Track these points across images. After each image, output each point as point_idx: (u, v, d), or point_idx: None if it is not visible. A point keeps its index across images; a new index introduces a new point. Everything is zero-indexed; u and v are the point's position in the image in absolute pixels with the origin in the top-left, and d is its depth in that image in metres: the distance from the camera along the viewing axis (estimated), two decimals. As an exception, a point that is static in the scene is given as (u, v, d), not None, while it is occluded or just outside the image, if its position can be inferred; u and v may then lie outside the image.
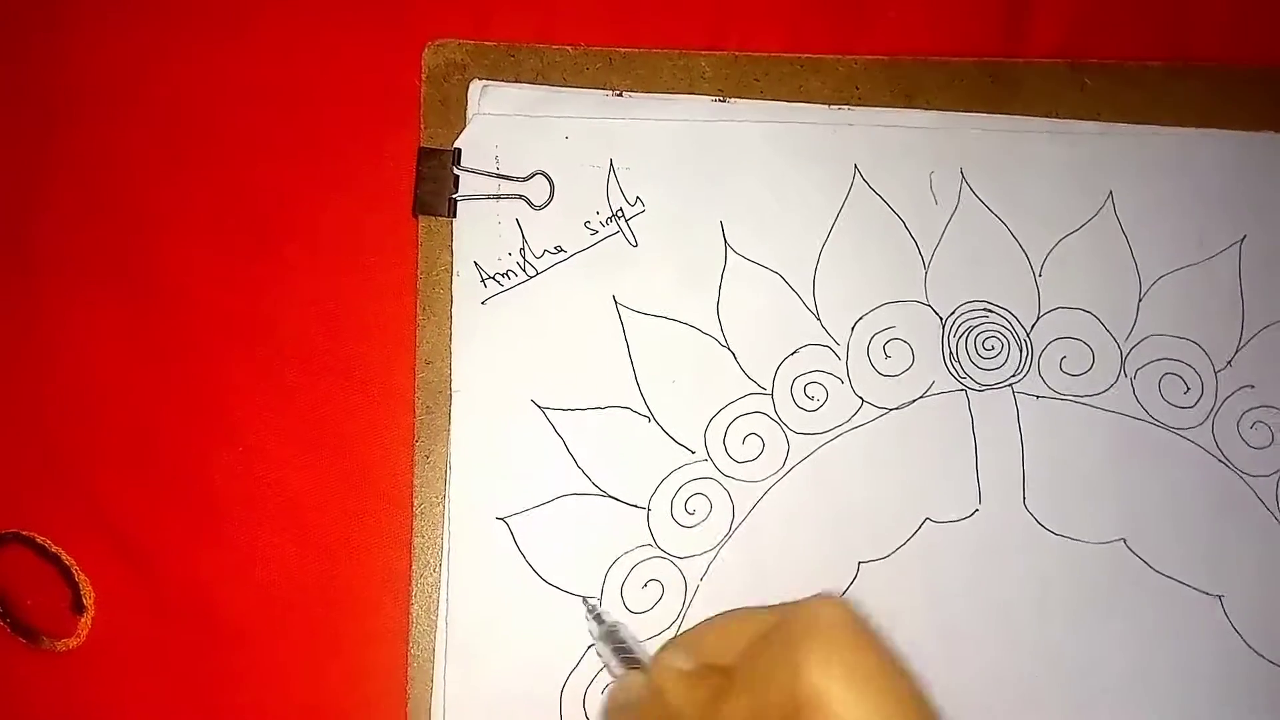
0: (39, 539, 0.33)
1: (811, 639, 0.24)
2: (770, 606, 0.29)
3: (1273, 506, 0.39)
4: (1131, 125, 0.41)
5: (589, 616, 0.34)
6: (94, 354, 0.36)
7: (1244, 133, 0.42)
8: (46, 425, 0.36)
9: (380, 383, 0.37)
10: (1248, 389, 0.40)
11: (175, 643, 0.34)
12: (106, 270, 0.38)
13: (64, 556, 0.33)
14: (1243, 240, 0.41)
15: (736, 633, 0.27)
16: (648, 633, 0.36)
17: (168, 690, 0.34)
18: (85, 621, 0.33)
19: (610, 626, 0.33)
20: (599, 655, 0.33)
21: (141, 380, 0.36)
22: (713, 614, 0.35)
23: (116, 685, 0.34)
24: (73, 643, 0.33)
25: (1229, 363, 0.40)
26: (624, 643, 0.32)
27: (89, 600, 0.33)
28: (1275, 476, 0.39)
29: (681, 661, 0.27)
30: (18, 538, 0.33)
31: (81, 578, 0.33)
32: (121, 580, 0.34)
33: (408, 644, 0.35)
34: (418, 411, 0.37)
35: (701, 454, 0.37)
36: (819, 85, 0.40)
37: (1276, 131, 0.42)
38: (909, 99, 0.41)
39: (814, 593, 0.36)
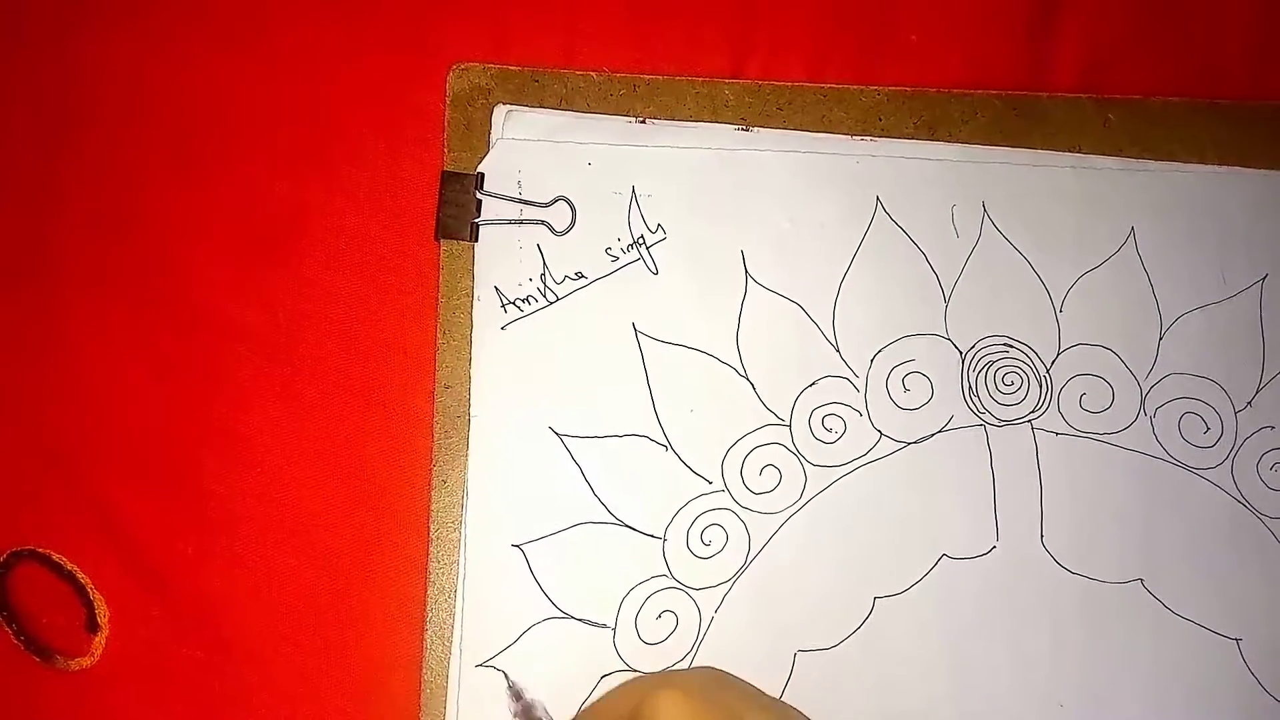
0: (55, 556, 0.34)
1: None
2: (637, 684, 0.32)
3: (1292, 549, 0.39)
4: (1154, 161, 0.42)
5: (508, 693, 0.35)
6: (110, 371, 0.37)
7: (1267, 171, 0.42)
8: (62, 443, 0.36)
9: (398, 406, 0.38)
10: (1268, 429, 0.40)
11: (189, 663, 0.35)
12: (123, 285, 0.38)
13: (79, 575, 0.34)
14: (1264, 279, 0.41)
15: (604, 715, 0.29)
16: (662, 664, 0.36)
17: (180, 710, 0.34)
18: (99, 641, 0.34)
19: (527, 703, 0.34)
20: None
21: (158, 398, 0.37)
22: (715, 662, 0.36)
23: (130, 705, 0.34)
24: (86, 662, 0.33)
25: (1249, 403, 0.40)
26: (538, 718, 0.34)
27: (103, 619, 0.34)
28: (1295, 518, 0.39)
29: None
30: (33, 555, 0.34)
31: (97, 597, 0.34)
32: (136, 600, 0.35)
33: (421, 670, 0.35)
34: (435, 436, 0.37)
35: (719, 484, 0.38)
36: (842, 115, 0.41)
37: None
38: (932, 131, 0.41)
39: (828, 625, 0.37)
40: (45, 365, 0.37)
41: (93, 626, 0.34)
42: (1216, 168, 0.42)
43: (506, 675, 0.35)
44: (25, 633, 0.33)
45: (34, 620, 0.34)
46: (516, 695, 0.34)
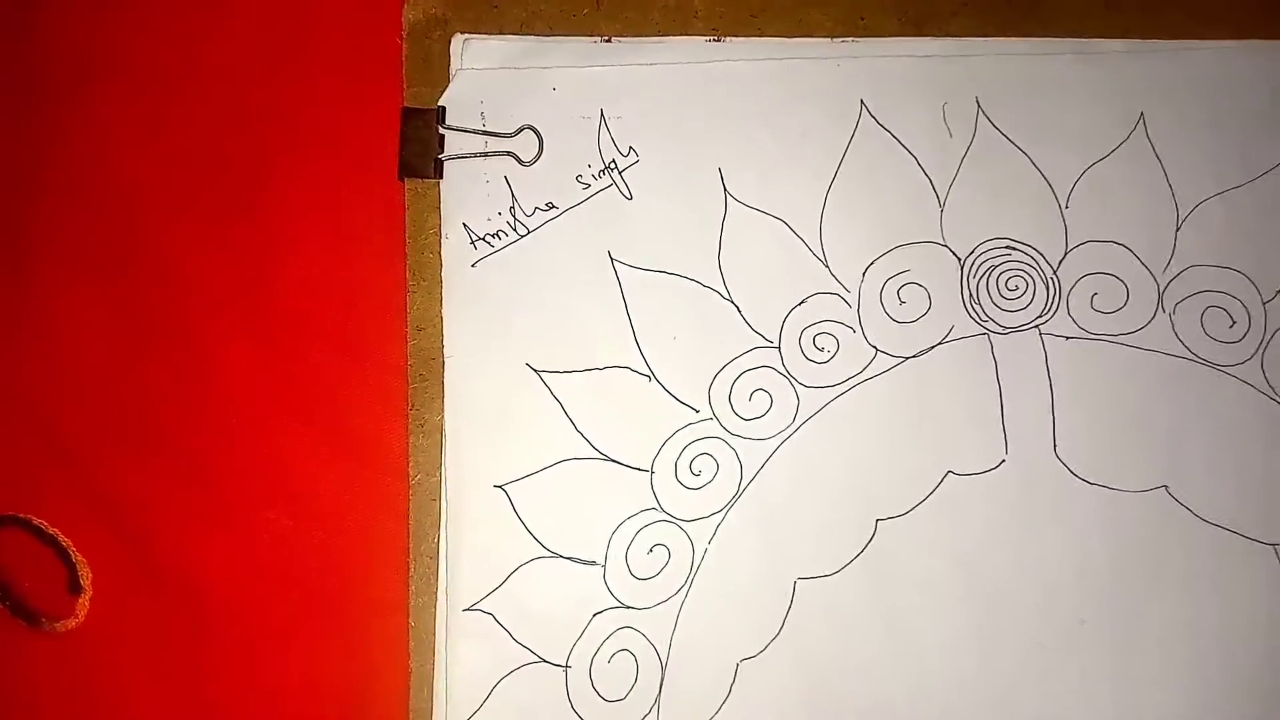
0: (35, 521, 0.35)
1: None
2: None
3: (1332, 445, 0.37)
4: (1164, 42, 0.40)
5: None
6: (84, 332, 0.38)
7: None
8: (36, 406, 0.37)
9: (372, 351, 0.38)
10: (1301, 319, 0.38)
11: (174, 619, 0.36)
12: (92, 247, 0.39)
13: (60, 538, 0.35)
14: (1291, 158, 0.39)
15: None
16: (656, 599, 0.36)
17: (168, 666, 0.35)
18: (83, 602, 0.35)
19: None
20: None
21: (133, 357, 0.38)
22: (712, 595, 0.36)
23: (116, 663, 0.35)
24: (71, 623, 0.35)
25: (1278, 292, 0.38)
26: None
27: (86, 580, 0.35)
28: (1334, 413, 0.38)
29: None
30: (14, 520, 0.35)
31: (78, 558, 0.35)
32: (118, 559, 0.36)
33: (408, 616, 0.36)
34: (411, 379, 0.37)
35: (706, 413, 0.38)
36: (820, 17, 0.40)
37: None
38: (919, 27, 0.40)
39: (829, 550, 0.37)
40: (18, 330, 0.38)
41: (75, 588, 0.35)
42: (1233, 43, 0.40)
43: None
44: (10, 597, 0.34)
45: (17, 585, 0.35)
46: None
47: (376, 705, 0.35)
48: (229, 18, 0.40)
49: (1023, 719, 0.36)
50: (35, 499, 0.36)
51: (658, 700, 0.36)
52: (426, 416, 0.37)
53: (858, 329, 0.38)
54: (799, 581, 0.37)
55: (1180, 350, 0.38)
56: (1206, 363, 0.38)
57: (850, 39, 0.40)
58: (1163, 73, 0.40)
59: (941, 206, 0.39)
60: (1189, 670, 0.36)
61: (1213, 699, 0.36)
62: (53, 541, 0.35)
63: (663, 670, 0.36)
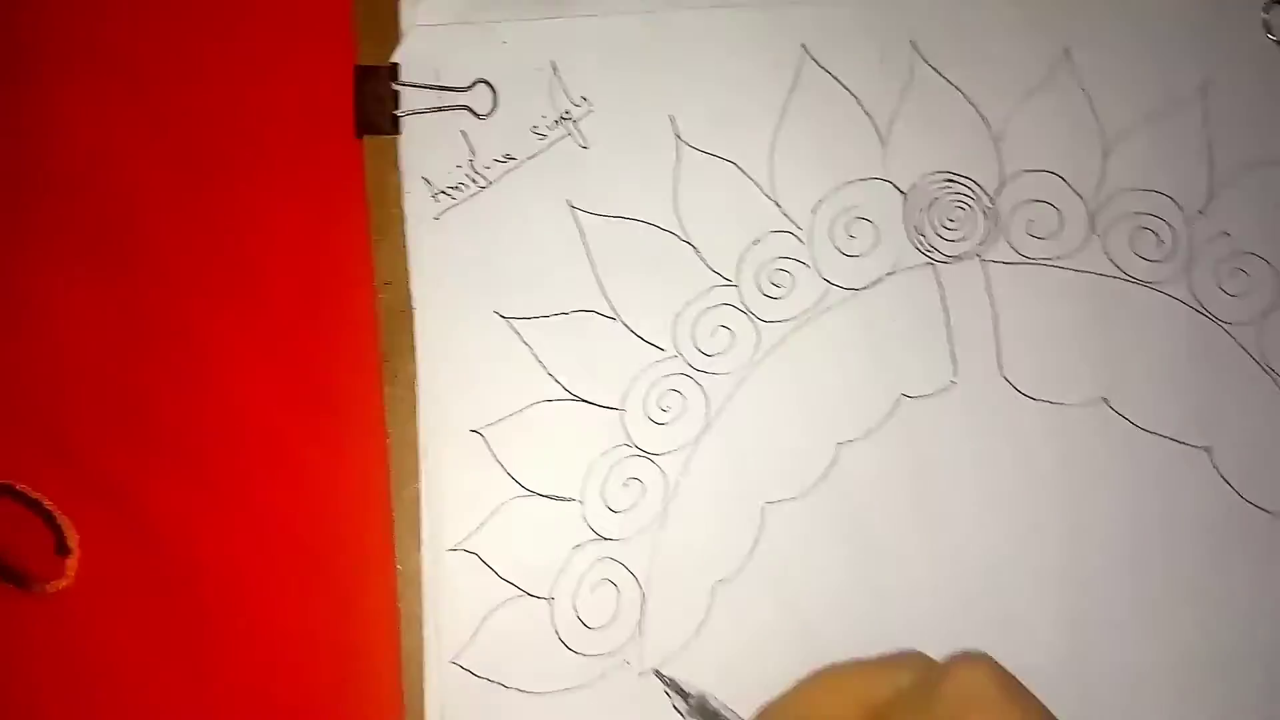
0: (18, 486, 0.35)
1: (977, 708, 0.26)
2: (884, 662, 0.31)
3: (1256, 353, 0.40)
4: (1087, -20, 0.42)
5: (674, 694, 0.34)
6: (59, 300, 0.38)
7: (1205, -25, 0.43)
8: (16, 374, 0.37)
9: (342, 308, 0.39)
10: (1223, 236, 0.41)
11: (162, 577, 0.37)
12: (61, 216, 0.39)
13: (45, 502, 0.35)
14: (1209, 86, 0.42)
15: (851, 695, 0.28)
16: (632, 530, 0.38)
17: (159, 625, 0.36)
18: (71, 563, 0.35)
19: (699, 698, 0.34)
20: None
21: (109, 321, 0.38)
22: (685, 523, 0.37)
23: (107, 621, 0.36)
24: (62, 584, 0.35)
25: (1201, 212, 0.41)
26: (716, 713, 0.33)
27: (73, 542, 0.35)
28: (1257, 322, 0.41)
29: None
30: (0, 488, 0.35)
31: (63, 520, 0.35)
32: (104, 522, 0.36)
33: (394, 560, 0.37)
34: (382, 333, 0.38)
35: (671, 350, 0.39)
36: (762, -33, 0.41)
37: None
38: (856, -28, 0.42)
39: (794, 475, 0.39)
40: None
41: (63, 550, 0.35)
42: (1151, -22, 0.43)
43: (665, 677, 0.35)
44: (1, 562, 0.35)
45: (6, 549, 0.35)
46: (683, 693, 0.34)
47: (369, 649, 0.36)
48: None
49: (980, 624, 0.38)
50: (18, 465, 0.36)
51: (640, 624, 0.37)
52: (399, 368, 0.38)
53: (811, 265, 0.40)
54: (767, 506, 0.38)
55: (1112, 270, 0.41)
56: (1137, 281, 0.41)
57: (791, -14, 0.42)
58: (1087, 8, 0.42)
59: (884, 144, 0.41)
60: (1132, 568, 0.39)
61: (1154, 594, 0.39)
62: (37, 506, 0.35)
63: (643, 596, 0.37)
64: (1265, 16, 0.43)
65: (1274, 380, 0.40)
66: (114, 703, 0.36)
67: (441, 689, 0.36)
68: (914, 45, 0.42)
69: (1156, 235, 0.41)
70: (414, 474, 0.38)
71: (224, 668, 0.36)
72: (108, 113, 0.39)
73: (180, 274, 0.39)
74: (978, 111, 0.41)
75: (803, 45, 0.41)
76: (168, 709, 0.36)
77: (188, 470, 0.37)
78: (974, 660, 0.29)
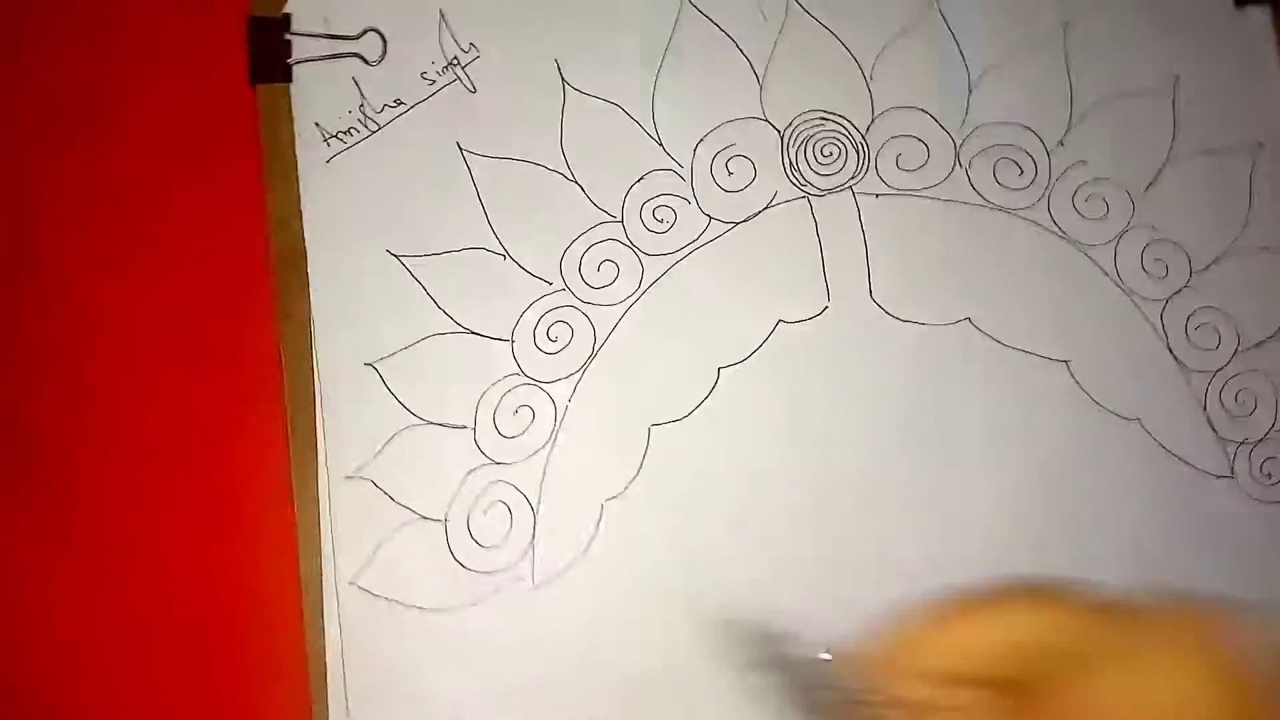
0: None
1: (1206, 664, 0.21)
2: (1028, 599, 0.24)
3: (1111, 272, 0.43)
4: (951, -78, 0.45)
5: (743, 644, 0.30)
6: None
7: (1061, -81, 0.45)
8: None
9: (237, 251, 0.40)
10: (1080, 164, 0.44)
11: (65, 510, 0.38)
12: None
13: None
14: (1068, 24, 0.44)
15: (1001, 636, 0.23)
16: (524, 454, 0.40)
17: (63, 554, 0.37)
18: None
19: (776, 643, 0.29)
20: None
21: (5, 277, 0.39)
22: (573, 443, 0.39)
23: (21, 561, 0.37)
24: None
25: (1060, 142, 0.44)
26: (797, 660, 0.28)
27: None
28: (1112, 244, 0.43)
29: (922, 689, 0.23)
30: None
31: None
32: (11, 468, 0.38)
33: (291, 490, 0.38)
34: (276, 273, 0.40)
35: (559, 284, 0.41)
36: (641, -84, 0.43)
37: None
38: (732, -80, 0.44)
39: (677, 398, 0.40)
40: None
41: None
42: (1011, -80, 0.45)
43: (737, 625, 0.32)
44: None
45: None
46: (763, 641, 0.30)
47: (267, 575, 0.38)
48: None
49: (857, 540, 0.40)
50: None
51: (532, 542, 0.39)
52: (292, 306, 0.40)
53: (692, 200, 0.42)
54: (652, 428, 0.40)
55: (976, 199, 0.43)
56: (1000, 208, 0.43)
57: (669, -66, 0.43)
58: (952, -47, 0.44)
59: (761, 85, 0.43)
60: (997, 471, 0.41)
61: (1016, 496, 0.41)
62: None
63: (535, 515, 0.39)
64: (1122, -40, 0.46)
65: (1129, 297, 0.43)
66: (29, 630, 0.37)
67: (341, 609, 0.38)
68: (788, -11, 0.44)
69: (1018, 165, 0.44)
70: (310, 407, 0.39)
71: (127, 593, 0.38)
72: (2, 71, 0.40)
73: (73, 222, 0.40)
74: (850, 53, 0.44)
75: (682, -9, 0.43)
76: (75, 633, 0.37)
77: (87, 408, 0.38)
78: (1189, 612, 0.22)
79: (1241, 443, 0.42)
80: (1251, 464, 0.42)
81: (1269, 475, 0.42)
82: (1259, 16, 0.46)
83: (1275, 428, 0.42)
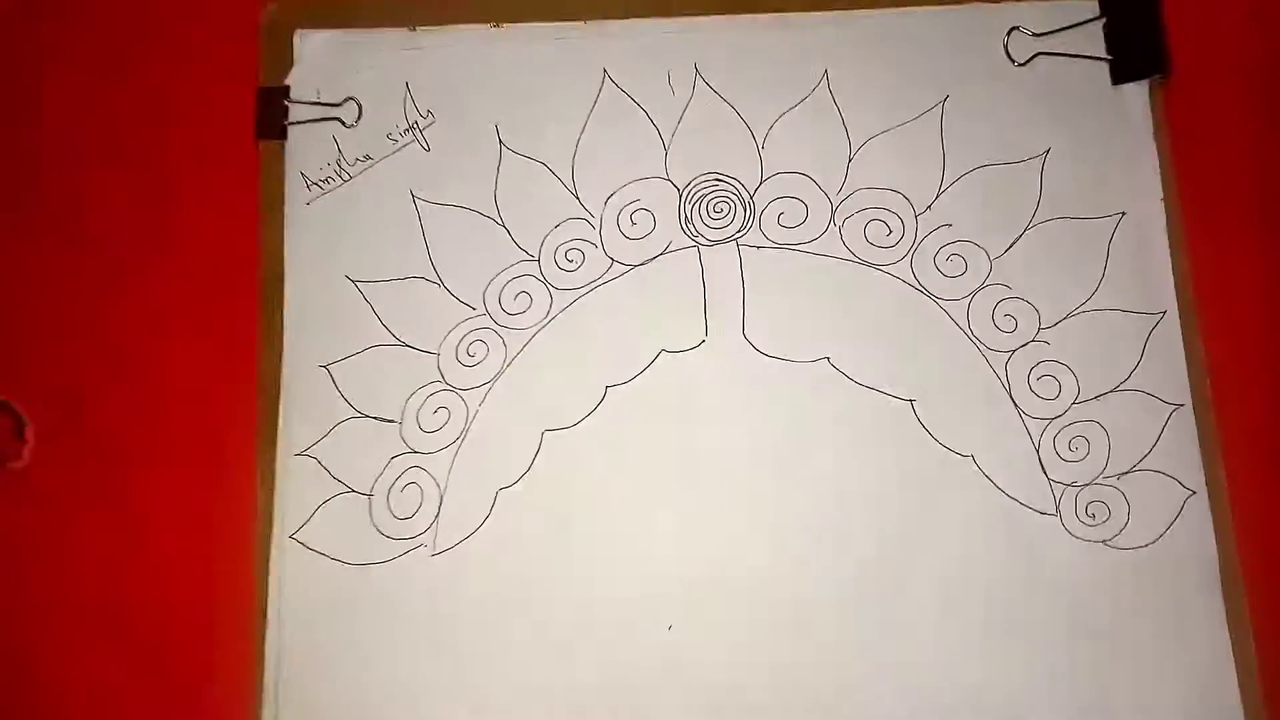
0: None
1: None
2: None
3: (963, 324, 0.48)
4: (845, 12, 0.51)
5: None
6: (23, 263, 0.52)
7: (945, 8, 0.51)
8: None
9: (235, 272, 0.51)
10: (946, 227, 0.49)
11: (97, 466, 0.49)
12: (22, 200, 0.52)
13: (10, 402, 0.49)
14: (945, 100, 0.50)
15: None
16: (438, 445, 0.49)
17: (94, 496, 0.49)
18: (26, 447, 0.48)
19: None
20: None
21: (61, 278, 0.52)
22: (479, 441, 0.48)
23: (55, 494, 0.49)
24: (19, 464, 0.48)
25: (929, 206, 0.49)
26: None
27: (29, 432, 0.48)
28: (967, 299, 0.49)
29: None
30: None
31: (18, 411, 0.49)
32: (52, 416, 0.50)
33: (255, 460, 0.49)
34: (261, 291, 0.50)
35: (481, 309, 0.50)
36: (576, 8, 0.52)
37: (981, 2, 0.51)
38: (656, 7, 0.52)
39: (569, 410, 0.48)
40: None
41: (20, 434, 0.48)
42: (897, 10, 0.51)
43: None
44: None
45: (-19, 439, 0.49)
46: None
47: (230, 525, 0.48)
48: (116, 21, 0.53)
49: (716, 526, 0.47)
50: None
51: (437, 518, 0.48)
52: (273, 318, 0.50)
53: (599, 245, 0.50)
54: (546, 432, 0.49)
55: (846, 255, 0.49)
56: (867, 263, 0.49)
57: (597, 20, 0.52)
58: (844, 37, 0.51)
59: (666, 150, 0.51)
60: (835, 491, 0.47)
61: (850, 516, 0.47)
62: (3, 405, 0.49)
63: (441, 496, 0.48)
64: (1006, 41, 0.51)
65: (977, 347, 0.48)
66: (58, 556, 0.49)
67: (282, 559, 0.48)
68: (697, 69, 0.51)
69: (887, 225, 0.50)
70: (276, 397, 0.49)
71: (133, 531, 0.49)
72: (64, 114, 0.53)
73: (115, 246, 0.52)
74: (745, 122, 0.51)
75: (605, 69, 0.51)
76: (91, 561, 0.49)
77: (114, 383, 0.50)
78: None
79: (1070, 484, 0.47)
80: (1077, 505, 0.47)
81: (1093, 516, 0.46)
82: (1136, 93, 0.50)
83: (1104, 473, 0.47)
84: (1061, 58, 0.50)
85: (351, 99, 0.52)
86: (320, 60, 0.52)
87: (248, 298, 0.51)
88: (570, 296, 0.50)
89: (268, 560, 0.48)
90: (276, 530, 0.48)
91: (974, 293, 0.49)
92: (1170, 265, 0.48)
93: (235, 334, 0.50)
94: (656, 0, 0.52)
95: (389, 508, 0.48)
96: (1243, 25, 0.50)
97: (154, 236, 0.52)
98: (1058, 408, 0.48)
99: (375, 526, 0.48)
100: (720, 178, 0.51)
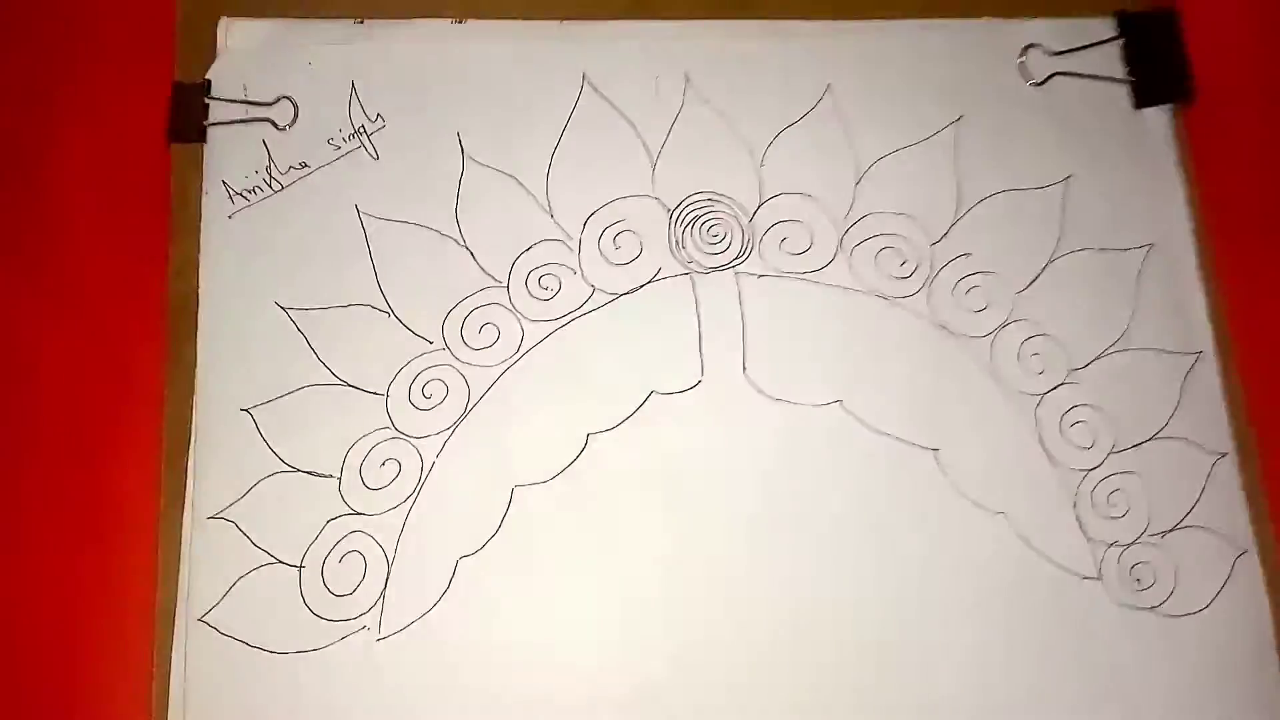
0: None
1: None
2: None
3: (987, 365, 0.43)
4: (854, 22, 0.46)
5: None
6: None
7: (962, 20, 0.46)
8: None
9: (135, 295, 0.42)
10: (964, 257, 0.44)
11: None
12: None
13: None
14: (958, 120, 0.45)
15: None
16: (386, 506, 0.40)
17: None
18: None
19: None
20: None
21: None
22: (436, 499, 0.40)
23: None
24: None
25: (945, 235, 0.44)
26: None
27: None
28: (990, 336, 0.43)
29: None
30: None
31: None
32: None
33: (157, 524, 0.40)
34: (169, 319, 0.42)
35: (439, 343, 0.42)
36: (550, 3, 0.46)
37: (995, 17, 0.47)
38: (642, 9, 0.46)
39: (544, 461, 0.41)
40: None
41: None
42: (914, 22, 0.46)
43: None
44: None
45: None
46: None
47: (125, 600, 0.39)
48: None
49: (713, 606, 0.40)
50: None
51: (383, 593, 0.40)
52: (183, 351, 0.42)
53: (578, 271, 0.44)
54: (516, 488, 0.41)
55: (857, 285, 0.44)
56: (880, 295, 0.44)
57: (577, 20, 0.46)
58: (849, 49, 0.46)
59: (654, 165, 0.45)
60: (853, 557, 0.41)
61: (873, 582, 0.41)
62: None
63: (389, 567, 0.40)
64: (1022, 60, 0.47)
65: (1003, 390, 0.43)
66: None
67: (188, 644, 0.39)
68: (688, 77, 0.45)
69: (901, 254, 0.44)
70: (185, 448, 0.41)
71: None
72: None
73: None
74: (743, 139, 0.45)
75: (584, 74, 0.45)
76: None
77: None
78: None
79: (1111, 544, 0.42)
80: (1120, 567, 0.41)
81: (1138, 580, 0.41)
82: (1158, 118, 0.46)
83: (1148, 531, 0.42)
84: (1079, 78, 0.47)
85: (285, 98, 0.44)
86: (248, 53, 0.45)
87: (153, 327, 0.42)
88: (544, 329, 0.43)
89: (170, 650, 0.39)
90: (182, 611, 0.39)
91: (998, 329, 0.44)
92: (1204, 301, 0.44)
93: (136, 371, 0.41)
94: (642, 0, 0.46)
95: (324, 582, 0.40)
96: (1266, 46, 0.47)
97: (37, 255, 0.43)
98: (1094, 458, 0.42)
99: (307, 606, 0.39)
100: (715, 197, 0.45)
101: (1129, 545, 0.42)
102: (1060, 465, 0.42)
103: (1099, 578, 0.41)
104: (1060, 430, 0.43)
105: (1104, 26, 0.47)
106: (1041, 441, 0.43)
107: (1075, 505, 0.42)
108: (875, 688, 0.40)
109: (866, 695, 0.40)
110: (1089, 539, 0.42)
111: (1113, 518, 0.42)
